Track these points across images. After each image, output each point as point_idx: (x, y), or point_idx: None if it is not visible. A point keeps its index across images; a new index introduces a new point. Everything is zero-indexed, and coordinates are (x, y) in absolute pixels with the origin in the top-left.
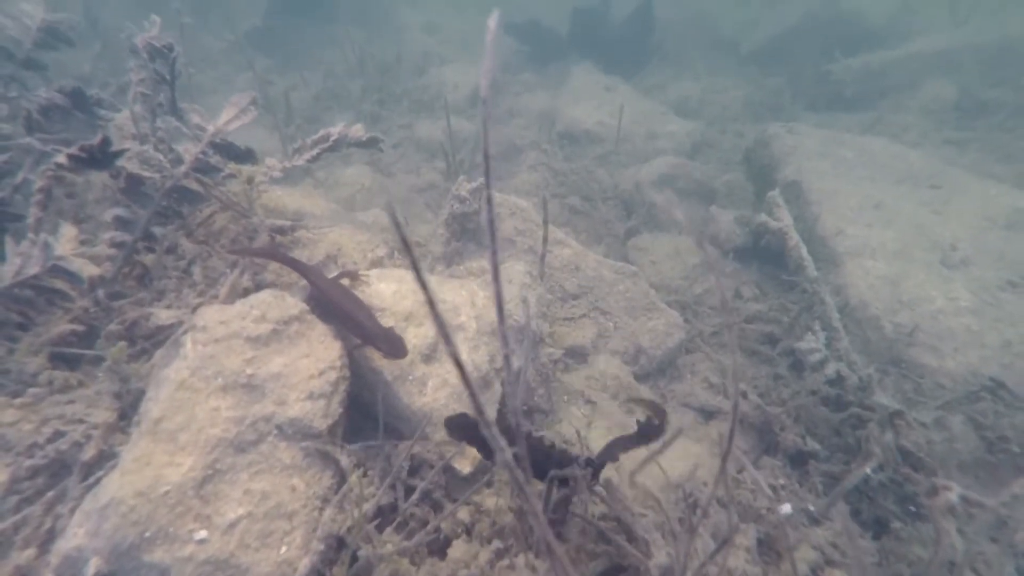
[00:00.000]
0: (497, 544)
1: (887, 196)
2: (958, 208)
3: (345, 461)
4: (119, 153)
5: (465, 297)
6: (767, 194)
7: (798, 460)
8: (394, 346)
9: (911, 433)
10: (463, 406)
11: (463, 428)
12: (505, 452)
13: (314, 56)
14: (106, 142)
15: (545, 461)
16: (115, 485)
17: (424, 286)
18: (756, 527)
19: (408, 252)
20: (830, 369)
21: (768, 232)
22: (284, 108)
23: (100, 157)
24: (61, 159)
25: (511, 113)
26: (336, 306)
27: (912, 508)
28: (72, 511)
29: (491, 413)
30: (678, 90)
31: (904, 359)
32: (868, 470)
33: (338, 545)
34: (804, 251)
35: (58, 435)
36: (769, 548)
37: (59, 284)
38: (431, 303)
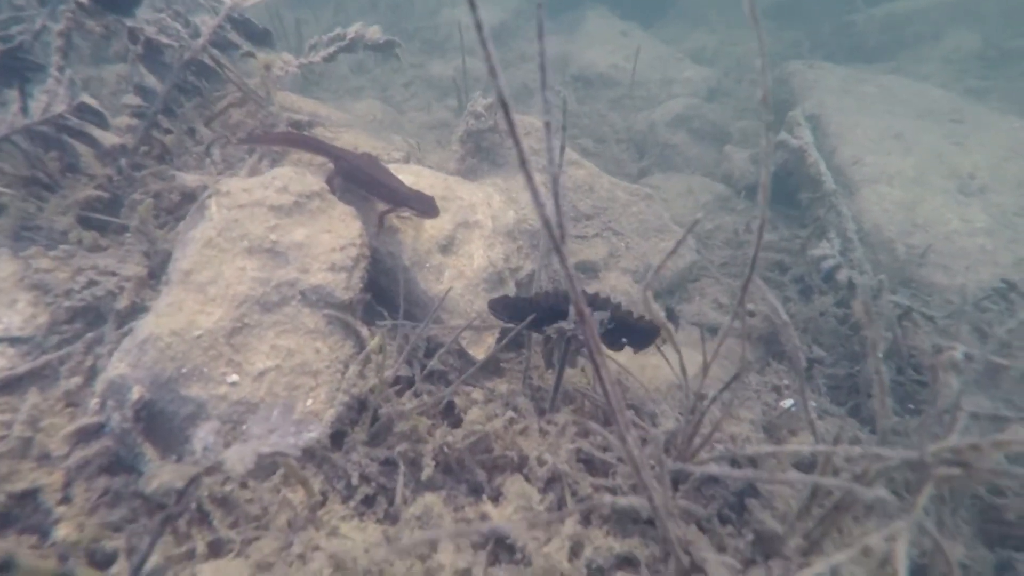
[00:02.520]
0: (511, 414)
1: (907, 128)
2: (979, 140)
3: (365, 332)
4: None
5: (482, 197)
6: (788, 113)
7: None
8: (427, 205)
9: (917, 335)
10: (477, 297)
11: (504, 306)
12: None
13: None
14: None
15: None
16: (151, 324)
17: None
18: (761, 412)
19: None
20: (842, 276)
21: (786, 151)
22: (296, 36)
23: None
24: None
25: (523, 58)
26: (366, 174)
27: (911, 406)
28: (110, 352)
29: None
30: (694, 41)
31: (915, 279)
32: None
33: (359, 407)
34: (823, 166)
35: (92, 283)
36: (771, 435)
37: (87, 127)
38: (509, 121)
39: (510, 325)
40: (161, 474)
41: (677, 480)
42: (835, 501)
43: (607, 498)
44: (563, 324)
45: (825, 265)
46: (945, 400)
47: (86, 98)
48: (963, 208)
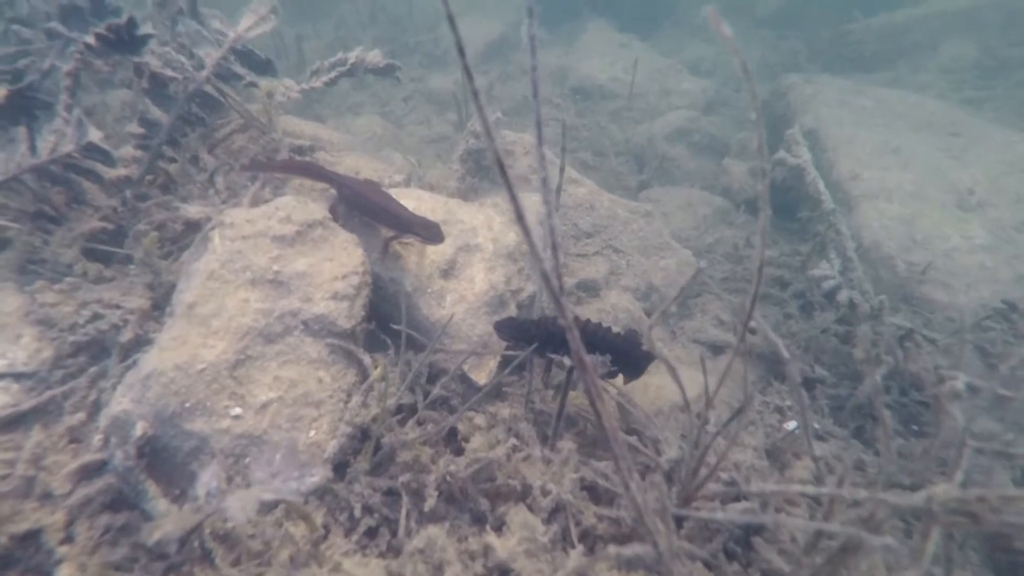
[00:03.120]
0: (513, 442)
1: (905, 142)
2: (977, 154)
3: (368, 361)
4: (146, 38)
5: (482, 220)
6: (786, 132)
7: (806, 386)
8: (431, 232)
9: (919, 356)
10: (479, 321)
11: (509, 328)
12: (567, 314)
13: (325, 8)
14: (132, 23)
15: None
16: (155, 359)
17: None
18: (764, 435)
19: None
20: (843, 296)
21: (785, 168)
22: (296, 53)
23: (127, 39)
24: (89, 39)
25: (524, 71)
26: (370, 201)
27: (915, 427)
28: (114, 387)
29: None
30: (692, 52)
31: (915, 296)
32: (878, 377)
33: (362, 436)
34: (821, 184)
35: (97, 317)
36: (775, 459)
37: (93, 165)
38: (498, 154)
39: (513, 353)
40: (163, 524)
41: (682, 515)
42: (842, 542)
43: (612, 550)
44: (564, 360)
45: (825, 285)
46: (948, 430)
47: (93, 136)
48: (962, 224)
